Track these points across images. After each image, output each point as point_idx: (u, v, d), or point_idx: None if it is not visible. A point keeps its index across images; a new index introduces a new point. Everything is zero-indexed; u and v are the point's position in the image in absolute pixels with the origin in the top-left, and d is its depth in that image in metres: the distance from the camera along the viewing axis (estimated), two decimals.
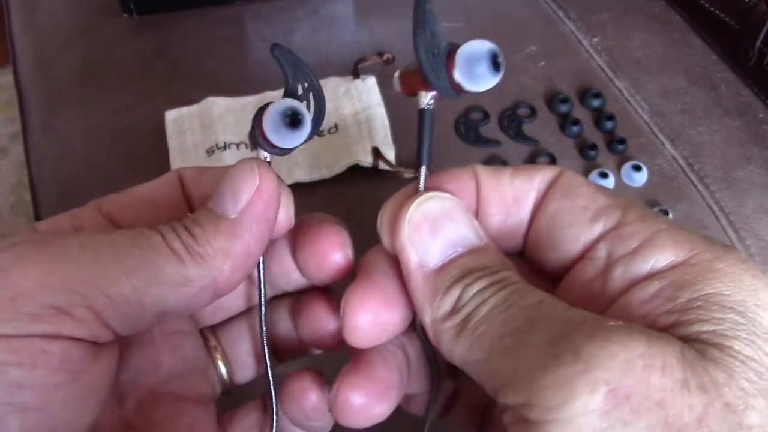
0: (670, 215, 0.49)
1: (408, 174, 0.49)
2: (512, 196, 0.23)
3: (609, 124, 0.54)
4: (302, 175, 0.49)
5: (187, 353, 0.25)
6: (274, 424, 0.25)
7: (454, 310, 0.20)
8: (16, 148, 1.51)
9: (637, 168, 0.51)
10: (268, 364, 0.25)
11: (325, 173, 0.49)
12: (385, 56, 0.56)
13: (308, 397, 0.24)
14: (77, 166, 0.52)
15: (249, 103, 0.53)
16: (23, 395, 0.19)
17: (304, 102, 0.22)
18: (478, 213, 0.23)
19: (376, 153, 0.49)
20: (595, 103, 0.55)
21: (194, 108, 0.53)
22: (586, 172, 0.51)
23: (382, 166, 0.48)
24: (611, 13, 0.62)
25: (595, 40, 0.60)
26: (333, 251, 0.24)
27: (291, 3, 0.61)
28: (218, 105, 0.52)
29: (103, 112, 0.55)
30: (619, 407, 0.16)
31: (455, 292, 0.20)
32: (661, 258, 0.19)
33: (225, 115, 0.52)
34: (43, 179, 0.53)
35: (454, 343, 0.20)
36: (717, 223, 0.50)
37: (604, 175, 0.50)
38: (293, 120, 0.21)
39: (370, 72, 0.55)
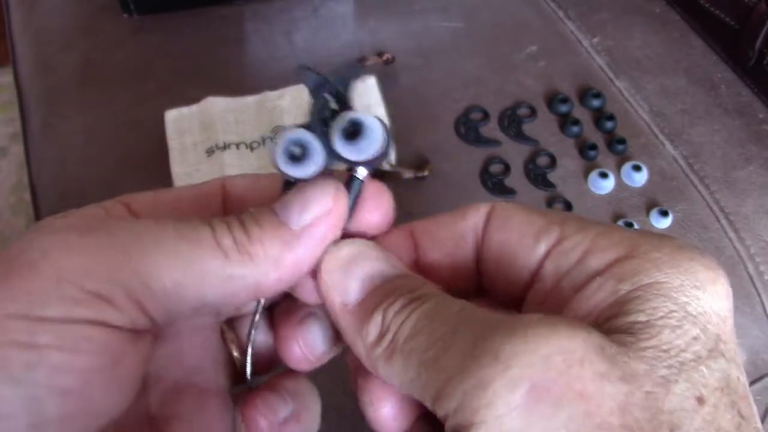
0: (670, 215, 0.49)
1: (408, 174, 0.49)
2: (451, 242, 0.23)
3: (609, 124, 0.54)
4: None
5: (210, 347, 0.26)
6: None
7: (381, 335, 0.20)
8: (16, 148, 1.51)
9: (637, 168, 0.51)
10: (248, 370, 0.25)
11: None
12: (385, 56, 0.56)
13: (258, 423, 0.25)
14: (77, 166, 0.52)
15: (249, 103, 0.53)
16: (63, 379, 0.19)
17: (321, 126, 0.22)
18: (420, 266, 0.24)
19: None
20: (595, 103, 0.55)
21: (194, 108, 0.53)
22: (586, 172, 0.51)
23: (382, 166, 0.48)
24: (611, 13, 0.62)
25: (595, 40, 0.60)
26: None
27: (291, 3, 0.61)
28: (218, 105, 0.52)
29: (103, 112, 0.55)
30: (540, 402, 0.16)
31: (378, 317, 0.20)
32: (602, 259, 0.19)
33: (225, 115, 0.52)
34: (43, 179, 0.53)
35: (388, 368, 0.20)
36: (717, 223, 0.50)
37: (604, 175, 0.50)
38: (294, 156, 0.21)
39: (370, 72, 0.55)
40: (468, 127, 0.53)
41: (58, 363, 0.19)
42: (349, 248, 0.22)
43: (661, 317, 0.18)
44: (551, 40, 0.60)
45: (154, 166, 0.50)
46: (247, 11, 0.61)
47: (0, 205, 1.48)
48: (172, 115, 0.52)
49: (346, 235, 0.23)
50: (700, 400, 0.17)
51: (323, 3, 0.61)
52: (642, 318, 0.18)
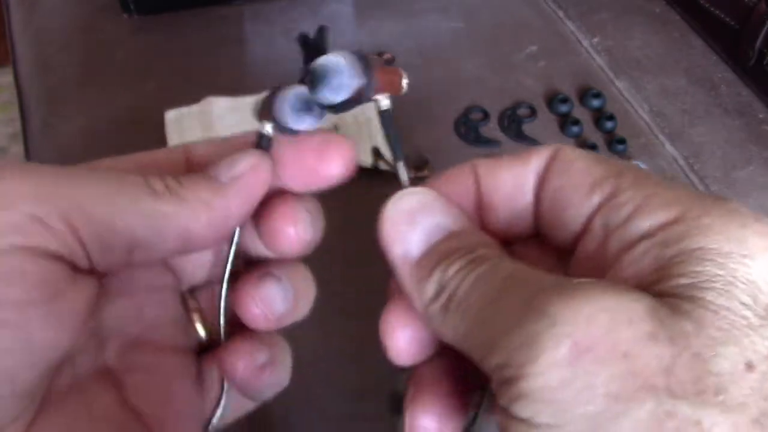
0: None
1: (408, 174, 0.49)
2: (512, 183, 0.23)
3: (609, 124, 0.54)
4: None
5: (169, 307, 0.26)
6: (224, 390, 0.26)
7: (438, 293, 0.21)
8: (16, 148, 1.51)
9: None
10: (222, 333, 0.26)
11: None
12: (385, 56, 0.56)
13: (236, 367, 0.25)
14: None
15: (249, 103, 0.53)
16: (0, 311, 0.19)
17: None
18: (481, 206, 0.24)
19: (376, 153, 0.49)
20: (595, 103, 0.55)
21: (194, 108, 0.53)
22: None
23: (382, 166, 0.48)
24: (611, 13, 0.62)
25: (595, 40, 0.60)
26: (286, 225, 0.25)
27: (291, 3, 0.61)
28: (218, 105, 0.52)
29: (103, 112, 0.55)
30: (581, 358, 0.16)
31: (436, 276, 0.21)
32: (651, 220, 0.19)
33: (225, 115, 0.52)
34: None
35: (443, 323, 0.21)
36: None
37: None
38: (306, 105, 0.22)
39: None
40: (468, 127, 0.53)
41: None
42: (412, 199, 0.23)
43: (706, 280, 0.18)
44: (551, 40, 0.60)
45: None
46: (247, 11, 0.61)
47: None
48: (172, 115, 0.52)
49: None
50: (749, 366, 0.16)
51: (323, 3, 0.61)
52: (684, 281, 0.18)
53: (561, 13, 0.62)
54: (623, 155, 0.52)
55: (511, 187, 0.23)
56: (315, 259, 0.49)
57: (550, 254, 0.23)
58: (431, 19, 0.60)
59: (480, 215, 0.24)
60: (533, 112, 0.54)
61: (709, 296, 0.17)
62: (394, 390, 0.26)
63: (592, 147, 0.52)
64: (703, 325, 0.17)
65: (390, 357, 0.23)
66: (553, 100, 0.55)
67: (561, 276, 0.19)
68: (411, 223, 0.22)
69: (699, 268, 0.18)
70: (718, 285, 0.17)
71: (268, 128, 0.24)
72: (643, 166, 0.51)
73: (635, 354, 0.16)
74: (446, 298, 0.20)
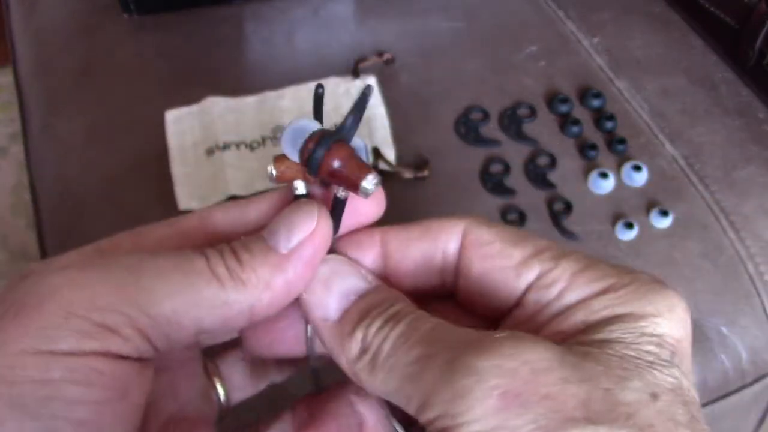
0: (670, 215, 0.49)
1: (408, 174, 0.49)
2: (420, 257, 0.25)
3: (609, 124, 0.54)
4: None
5: (197, 378, 0.27)
6: None
7: (363, 351, 0.22)
8: (16, 148, 1.51)
9: (637, 168, 0.51)
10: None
11: None
12: (385, 56, 0.56)
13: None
14: (77, 166, 0.52)
15: (249, 103, 0.53)
16: (80, 411, 0.20)
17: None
18: (390, 266, 0.26)
19: (376, 153, 0.49)
20: (595, 103, 0.55)
21: (194, 108, 0.53)
22: (586, 172, 0.51)
23: (382, 166, 0.48)
24: (611, 13, 0.62)
25: (595, 40, 0.60)
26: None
27: (291, 3, 0.61)
28: (218, 105, 0.52)
29: (103, 112, 0.55)
30: (511, 404, 0.19)
31: (359, 335, 0.23)
32: (579, 295, 0.22)
33: (225, 115, 0.52)
34: (43, 179, 0.53)
35: (371, 379, 0.22)
36: (717, 223, 0.50)
37: (604, 175, 0.50)
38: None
39: (370, 72, 0.55)
40: (468, 127, 0.53)
41: (73, 396, 0.20)
42: (325, 267, 0.24)
43: (617, 336, 0.21)
44: (551, 40, 0.60)
45: (154, 166, 0.50)
46: (247, 11, 0.61)
47: (0, 205, 1.48)
48: (172, 115, 0.53)
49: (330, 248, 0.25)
50: (654, 396, 0.19)
51: (323, 3, 0.61)
52: (599, 337, 0.21)
53: (561, 13, 0.62)
54: (623, 155, 0.52)
55: (420, 260, 0.25)
56: None
57: (466, 314, 0.26)
58: (431, 19, 0.60)
59: (390, 275, 0.26)
60: (533, 112, 0.54)
61: (617, 347, 0.21)
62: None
63: (592, 147, 0.52)
64: (610, 366, 0.20)
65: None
66: (553, 100, 0.55)
67: (480, 331, 0.21)
68: (327, 288, 0.24)
69: (613, 327, 0.21)
70: (627, 339, 0.21)
71: (301, 187, 0.24)
72: (643, 166, 0.51)
73: (554, 395, 0.19)
74: (371, 357, 0.22)
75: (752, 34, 0.54)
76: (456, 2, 0.62)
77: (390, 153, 0.49)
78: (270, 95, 0.53)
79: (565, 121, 0.53)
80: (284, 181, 0.25)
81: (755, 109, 0.56)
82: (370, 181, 0.22)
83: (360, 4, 0.61)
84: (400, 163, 0.49)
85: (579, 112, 0.55)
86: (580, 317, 0.22)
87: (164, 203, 0.48)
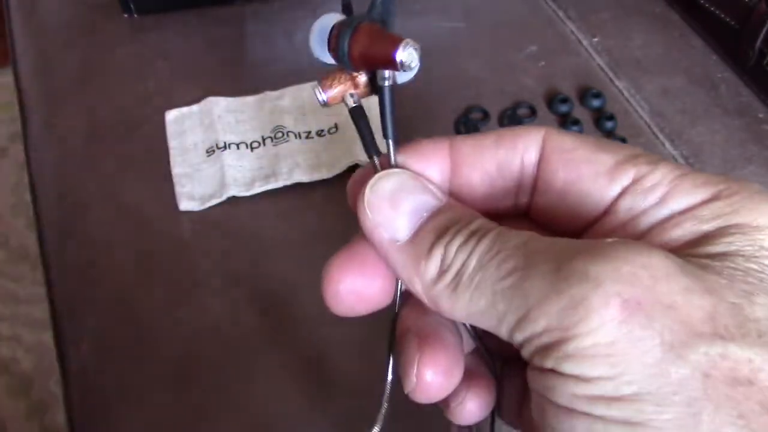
0: None
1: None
2: (495, 166, 0.23)
3: (609, 124, 0.54)
4: (302, 175, 0.49)
5: None
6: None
7: (442, 271, 0.20)
8: (16, 148, 1.51)
9: None
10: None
11: (325, 173, 0.49)
12: None
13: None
14: (77, 166, 0.52)
15: (249, 103, 0.53)
16: None
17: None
18: (457, 181, 0.23)
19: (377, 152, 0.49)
20: (595, 103, 0.55)
21: (194, 108, 0.53)
22: None
23: None
24: (611, 13, 0.62)
25: (595, 40, 0.60)
26: None
27: (291, 3, 0.61)
28: (218, 105, 0.52)
29: (103, 112, 0.55)
30: (634, 314, 0.17)
31: (437, 253, 0.21)
32: (687, 201, 0.20)
33: (225, 115, 0.52)
34: (43, 179, 0.53)
35: (452, 300, 0.20)
36: None
37: None
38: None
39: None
40: (468, 127, 0.53)
41: None
42: (391, 181, 0.22)
43: (737, 249, 0.19)
44: (551, 40, 0.60)
45: (154, 166, 0.50)
46: (247, 11, 0.61)
47: (0, 205, 1.48)
48: (172, 115, 0.53)
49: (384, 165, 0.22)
50: None
51: (323, 3, 0.61)
52: (717, 249, 0.19)
53: (561, 13, 0.62)
54: None
55: (495, 170, 0.23)
56: (312, 259, 0.49)
57: (541, 230, 0.23)
58: (431, 19, 0.60)
59: (455, 191, 0.24)
60: (533, 112, 0.54)
61: (738, 260, 0.19)
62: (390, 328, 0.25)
63: None
64: (734, 280, 0.18)
65: (327, 303, 0.23)
66: (553, 100, 0.55)
67: (582, 239, 0.19)
68: (394, 206, 0.22)
69: (730, 239, 0.19)
70: (747, 252, 0.19)
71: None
72: None
73: (679, 305, 0.17)
74: (453, 276, 0.20)
75: (752, 34, 0.54)
76: (456, 2, 0.62)
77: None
78: (270, 95, 0.53)
79: (565, 121, 0.53)
80: (336, 101, 0.22)
81: (755, 109, 0.55)
82: (405, 49, 0.20)
83: (360, 4, 0.61)
84: (400, 163, 0.49)
85: (579, 112, 0.55)
86: (688, 226, 0.20)
87: (164, 203, 0.48)
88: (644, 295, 0.17)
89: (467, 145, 0.23)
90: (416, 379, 0.22)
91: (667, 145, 0.54)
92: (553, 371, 0.18)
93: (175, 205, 0.48)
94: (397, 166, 0.23)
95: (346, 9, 0.23)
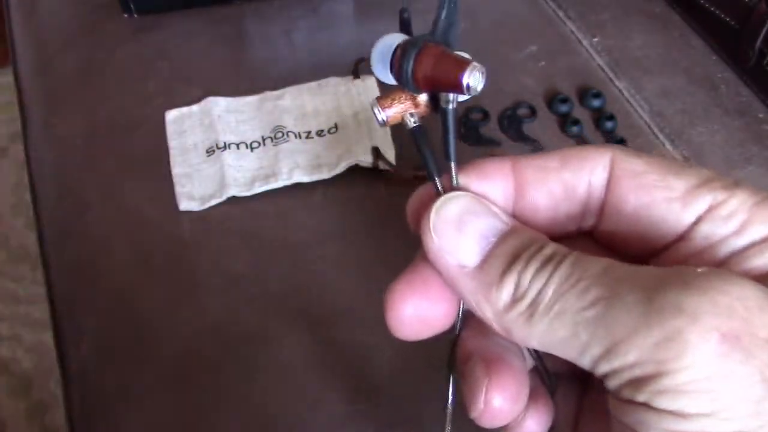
0: None
1: (408, 174, 0.49)
2: (562, 189, 0.23)
3: (609, 124, 0.54)
4: (302, 175, 0.49)
5: None
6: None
7: (516, 298, 0.20)
8: (16, 148, 1.51)
9: None
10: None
11: (325, 173, 0.49)
12: None
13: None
14: (77, 166, 0.52)
15: (249, 103, 0.53)
16: None
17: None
18: (521, 203, 0.23)
19: (376, 153, 0.49)
20: (595, 103, 0.55)
21: (194, 108, 0.53)
22: None
23: (382, 166, 0.48)
24: (611, 13, 0.62)
25: (595, 40, 0.60)
26: None
27: (291, 3, 0.61)
28: (218, 105, 0.52)
29: (103, 112, 0.55)
30: (733, 349, 0.17)
31: (511, 280, 0.20)
32: (764, 230, 0.20)
33: (225, 115, 0.52)
34: (43, 179, 0.53)
35: (527, 329, 0.20)
36: None
37: None
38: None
39: (370, 72, 0.55)
40: (468, 127, 0.53)
41: None
42: (456, 205, 0.22)
43: None
44: (551, 40, 0.60)
45: (154, 166, 0.50)
46: (247, 11, 0.61)
47: (0, 205, 1.48)
48: (172, 115, 0.53)
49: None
50: None
51: (323, 3, 0.61)
52: None
53: (561, 13, 0.62)
54: None
55: (561, 192, 0.22)
56: (312, 259, 0.49)
57: (606, 253, 0.23)
58: (431, 19, 0.60)
59: (519, 214, 0.23)
60: (533, 112, 0.54)
61: None
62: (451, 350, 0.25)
63: None
64: None
65: (390, 328, 0.22)
66: (553, 100, 0.55)
67: (667, 268, 0.19)
68: (461, 231, 0.21)
69: None
70: None
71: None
72: None
73: None
74: (528, 304, 0.20)
75: (752, 34, 0.54)
76: None
77: (390, 153, 0.49)
78: (270, 95, 0.53)
79: (565, 121, 0.53)
80: (395, 121, 0.22)
81: (755, 109, 0.55)
82: (471, 73, 0.19)
83: (360, 3, 0.61)
84: (400, 163, 0.49)
85: (579, 112, 0.55)
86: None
87: (164, 203, 0.48)
88: (742, 328, 0.17)
89: (531, 166, 0.23)
90: (484, 406, 0.22)
91: (667, 145, 0.54)
92: (646, 405, 0.18)
93: (175, 205, 0.48)
94: (459, 188, 0.22)
95: (405, 27, 0.22)
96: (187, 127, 0.52)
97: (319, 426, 0.40)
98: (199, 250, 0.46)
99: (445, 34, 0.20)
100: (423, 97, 0.22)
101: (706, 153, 0.53)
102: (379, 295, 0.24)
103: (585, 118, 0.54)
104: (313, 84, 0.54)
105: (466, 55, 0.21)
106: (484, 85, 0.20)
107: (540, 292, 0.19)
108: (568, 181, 0.22)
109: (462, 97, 0.21)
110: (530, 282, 0.20)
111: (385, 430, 0.39)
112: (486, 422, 0.22)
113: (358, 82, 0.54)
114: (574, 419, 0.25)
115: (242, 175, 0.49)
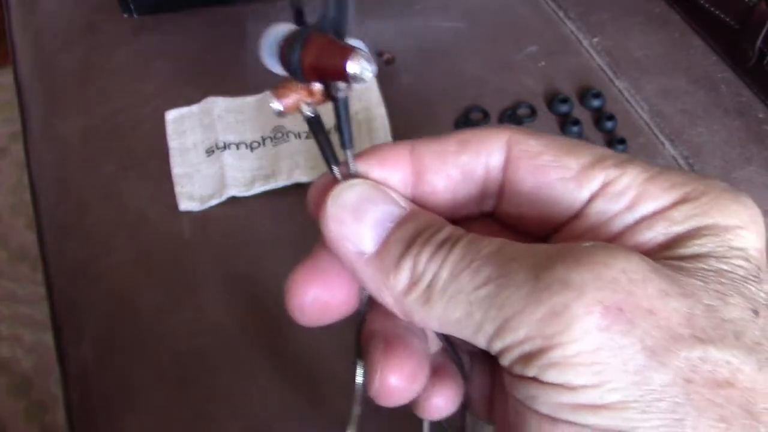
0: None
1: None
2: (460, 172, 0.23)
3: (609, 124, 0.54)
4: (302, 175, 0.49)
5: None
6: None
7: (413, 282, 0.20)
8: (16, 148, 1.51)
9: None
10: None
11: None
12: (385, 56, 0.56)
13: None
14: (77, 166, 0.52)
15: (249, 103, 0.53)
16: None
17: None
18: (421, 187, 0.23)
19: None
20: (595, 103, 0.55)
21: (194, 108, 0.53)
22: None
23: None
24: (611, 13, 0.62)
25: (595, 40, 0.60)
26: None
27: None
28: (218, 105, 0.52)
29: (103, 112, 0.55)
30: (615, 321, 0.17)
31: (407, 265, 0.20)
32: (656, 204, 0.20)
33: (225, 115, 0.52)
34: (42, 179, 0.53)
35: (425, 311, 0.20)
36: None
37: None
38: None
39: None
40: (468, 128, 0.53)
41: None
42: (353, 192, 0.22)
43: (708, 250, 0.19)
44: (551, 40, 0.60)
45: (154, 166, 0.50)
46: (247, 11, 0.61)
47: (0, 205, 1.48)
48: (172, 115, 0.53)
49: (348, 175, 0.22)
50: (755, 312, 0.18)
51: (323, 2, 0.61)
52: (689, 251, 0.19)
53: (561, 13, 0.62)
54: None
55: (459, 175, 0.23)
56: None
57: (507, 232, 0.24)
58: (431, 19, 0.60)
59: (419, 198, 0.23)
60: (533, 112, 0.54)
61: (710, 261, 0.19)
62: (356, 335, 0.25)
63: None
64: (707, 281, 0.18)
65: (291, 315, 0.23)
66: (553, 100, 0.55)
67: (554, 245, 0.19)
68: (358, 218, 0.21)
69: (701, 241, 0.20)
70: (717, 253, 0.19)
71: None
72: None
73: (657, 309, 0.17)
74: (425, 287, 0.20)
75: (752, 34, 0.54)
76: (456, 2, 0.62)
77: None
78: (270, 95, 0.53)
79: (565, 121, 0.53)
80: (292, 111, 0.22)
81: (755, 109, 0.56)
82: (356, 61, 0.19)
83: (360, 3, 0.61)
84: None
85: (579, 112, 0.55)
86: (660, 229, 0.20)
87: (164, 203, 0.48)
88: (625, 300, 0.17)
89: (430, 151, 0.23)
90: (379, 384, 0.22)
91: (667, 145, 0.54)
92: (535, 380, 0.18)
93: (175, 205, 0.48)
94: (357, 175, 0.22)
95: (298, 17, 0.22)
96: (186, 127, 0.52)
97: (320, 426, 0.40)
98: (199, 250, 0.46)
99: (336, 22, 0.20)
100: (317, 86, 0.21)
101: (706, 153, 0.53)
102: None
103: (585, 118, 0.54)
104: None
105: (357, 44, 0.20)
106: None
107: (435, 275, 0.20)
108: (465, 164, 0.23)
109: (356, 85, 0.20)
110: (426, 265, 0.20)
111: (389, 430, 0.39)
112: (383, 400, 0.23)
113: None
114: (489, 397, 0.26)
115: (242, 175, 0.49)
